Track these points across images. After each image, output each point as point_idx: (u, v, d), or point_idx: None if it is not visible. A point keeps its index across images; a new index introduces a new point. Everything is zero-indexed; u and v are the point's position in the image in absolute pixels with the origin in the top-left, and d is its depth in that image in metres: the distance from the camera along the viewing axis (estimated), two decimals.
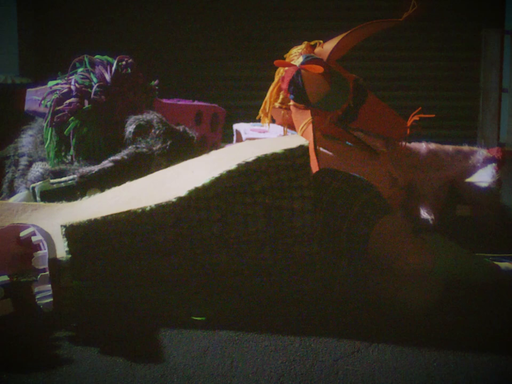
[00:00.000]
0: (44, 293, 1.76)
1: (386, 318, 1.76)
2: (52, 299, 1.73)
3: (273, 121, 2.71)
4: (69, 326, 1.73)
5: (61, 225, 1.89)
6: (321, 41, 2.71)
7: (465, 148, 2.93)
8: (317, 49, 2.69)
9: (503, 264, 2.05)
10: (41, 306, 1.73)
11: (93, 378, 1.47)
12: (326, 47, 2.66)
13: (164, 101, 3.17)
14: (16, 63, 5.99)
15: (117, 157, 2.33)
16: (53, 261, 1.74)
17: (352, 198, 1.99)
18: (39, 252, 1.82)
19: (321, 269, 1.89)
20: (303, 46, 2.71)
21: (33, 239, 1.89)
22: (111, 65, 2.70)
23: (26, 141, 3.12)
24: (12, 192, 3.02)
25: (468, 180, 2.82)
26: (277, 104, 2.63)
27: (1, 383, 1.47)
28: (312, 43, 2.72)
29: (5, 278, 1.74)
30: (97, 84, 2.60)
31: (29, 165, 3.04)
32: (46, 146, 2.73)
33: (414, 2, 2.57)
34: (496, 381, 1.48)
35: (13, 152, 3.21)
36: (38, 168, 2.87)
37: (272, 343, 1.64)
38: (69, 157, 2.69)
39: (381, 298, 1.83)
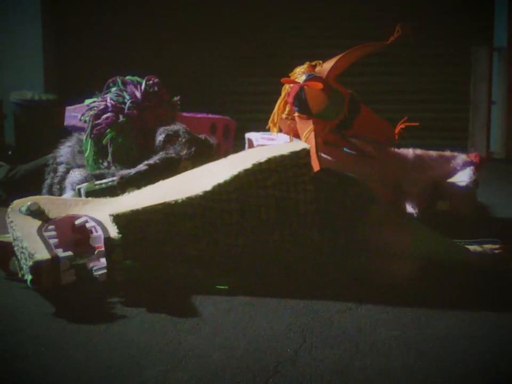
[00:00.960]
0: (99, 266, 2.20)
1: (372, 286, 2.18)
2: (105, 270, 2.16)
3: (280, 130, 3.17)
4: (119, 292, 2.16)
5: (109, 215, 2.33)
6: (321, 62, 3.15)
7: (447, 153, 3.36)
8: (317, 68, 3.13)
9: (472, 247, 2.47)
10: (97, 277, 2.16)
11: (142, 330, 1.89)
12: (325, 67, 3.10)
13: (184, 114, 3.62)
14: (42, 81, 6.42)
15: (150, 161, 2.77)
16: (108, 239, 2.17)
17: (345, 191, 2.42)
18: (94, 233, 2.26)
19: (321, 249, 2.33)
20: (305, 66, 3.15)
21: (87, 225, 2.33)
22: (141, 84, 3.16)
23: (64, 151, 3.54)
24: (51, 195, 3.45)
25: (449, 180, 3.25)
26: (283, 116, 3.07)
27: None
28: (313, 63, 3.16)
29: (69, 253, 2.17)
30: (129, 101, 3.06)
31: (67, 172, 3.46)
32: (86, 155, 3.17)
33: (398, 28, 3.01)
34: (458, 328, 1.89)
35: (52, 161, 3.64)
36: (75, 174, 3.30)
37: (281, 304, 2.06)
38: (105, 163, 3.13)
39: (368, 272, 2.26)
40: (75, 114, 3.43)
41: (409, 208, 3.01)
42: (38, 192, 3.52)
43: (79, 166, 3.37)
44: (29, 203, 2.46)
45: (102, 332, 1.87)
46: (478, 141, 5.84)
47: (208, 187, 2.36)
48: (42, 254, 2.11)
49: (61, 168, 3.48)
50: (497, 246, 2.46)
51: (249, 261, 2.31)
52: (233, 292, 2.17)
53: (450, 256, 2.40)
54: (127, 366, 1.63)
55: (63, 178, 3.45)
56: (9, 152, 5.77)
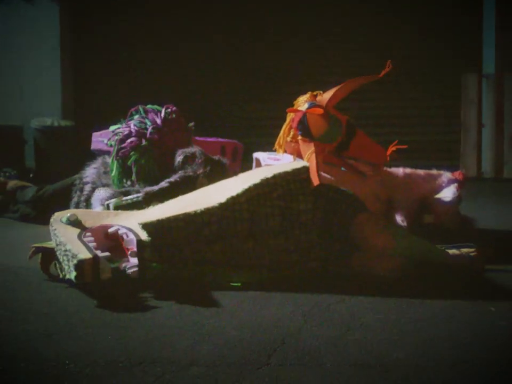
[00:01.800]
0: (131, 265, 2.58)
1: (362, 282, 2.55)
2: (137, 269, 2.55)
3: (285, 151, 3.56)
4: (149, 287, 2.54)
5: (139, 223, 2.72)
6: (321, 92, 3.56)
7: (434, 171, 3.75)
8: (318, 98, 3.54)
9: (451, 251, 2.85)
10: (130, 274, 2.54)
11: (171, 316, 2.26)
12: (325, 96, 3.50)
13: (197, 138, 4.03)
14: (60, 109, 6.87)
15: (171, 179, 3.18)
16: (140, 241, 2.56)
17: (340, 202, 2.81)
18: (126, 238, 2.64)
19: (320, 251, 2.71)
20: (308, 95, 3.56)
21: (119, 232, 2.72)
22: (160, 112, 3.58)
23: (90, 172, 3.94)
24: None
25: (435, 196, 3.63)
26: (288, 139, 3.47)
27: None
28: (315, 93, 3.56)
29: (107, 254, 2.56)
30: (151, 126, 3.47)
31: (92, 190, 3.86)
32: (112, 175, 3.58)
33: (389, 63, 3.42)
34: (433, 313, 2.26)
35: (78, 181, 4.04)
36: (101, 192, 3.70)
37: (285, 297, 2.43)
38: (129, 182, 3.54)
39: (359, 269, 2.64)
40: (101, 139, 3.85)
41: (399, 220, 3.39)
42: (65, 209, 3.93)
43: (104, 185, 3.78)
44: (68, 214, 2.86)
45: (138, 318, 2.24)
46: (469, 162, 6.23)
47: (222, 199, 2.75)
48: (85, 254, 2.49)
49: (87, 187, 3.89)
50: (472, 250, 2.84)
51: (259, 262, 2.69)
52: (245, 287, 2.54)
53: (431, 257, 2.78)
54: (162, 341, 2.00)
55: (89, 197, 3.85)
56: (31, 175, 6.18)
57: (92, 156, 4.33)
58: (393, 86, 6.56)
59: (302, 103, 3.48)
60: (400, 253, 2.70)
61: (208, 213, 2.73)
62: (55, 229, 2.77)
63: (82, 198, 3.85)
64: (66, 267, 2.61)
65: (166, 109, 3.57)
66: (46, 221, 4.01)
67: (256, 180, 2.76)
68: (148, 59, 6.90)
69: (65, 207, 3.96)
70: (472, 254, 2.83)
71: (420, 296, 2.43)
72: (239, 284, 2.58)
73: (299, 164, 2.91)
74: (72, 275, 2.50)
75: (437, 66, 6.72)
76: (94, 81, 7.05)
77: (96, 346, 1.96)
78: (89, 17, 7.04)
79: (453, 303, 2.36)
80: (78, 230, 2.77)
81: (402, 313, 2.25)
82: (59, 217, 2.88)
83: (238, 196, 2.74)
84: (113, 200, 3.25)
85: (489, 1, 6.53)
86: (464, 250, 2.86)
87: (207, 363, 1.82)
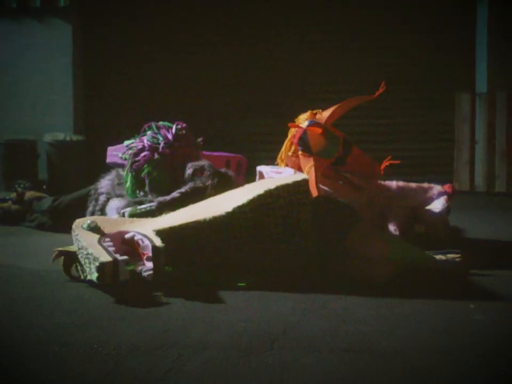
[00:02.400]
0: (146, 268, 2.85)
1: (357, 283, 2.82)
2: (152, 272, 2.81)
3: (287, 165, 3.84)
4: (163, 288, 2.80)
5: (153, 230, 2.99)
6: (320, 110, 3.85)
7: (425, 184, 4.02)
8: (318, 116, 3.82)
9: (438, 256, 3.12)
10: (146, 276, 2.81)
11: (184, 311, 2.53)
12: (324, 115, 3.79)
13: (204, 152, 4.32)
14: (71, 124, 7.15)
15: (182, 190, 3.46)
16: (155, 247, 2.83)
17: (337, 212, 3.09)
18: (142, 244, 2.91)
19: (318, 256, 2.98)
20: (308, 113, 3.84)
21: (135, 238, 2.99)
22: (171, 128, 3.87)
23: (105, 183, 4.22)
24: None
25: (426, 207, 3.91)
26: (290, 153, 3.75)
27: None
28: (314, 111, 3.84)
29: (125, 257, 2.83)
30: (163, 142, 3.76)
31: (107, 200, 4.13)
32: (126, 186, 3.85)
33: (382, 84, 3.72)
34: (421, 309, 2.52)
35: (93, 191, 4.31)
36: (115, 202, 3.97)
37: (286, 295, 2.69)
38: (142, 193, 3.82)
39: (354, 273, 2.91)
40: (116, 153, 4.13)
41: (392, 229, 3.66)
42: (79, 218, 4.20)
43: (118, 196, 4.05)
44: (89, 221, 3.13)
45: (153, 312, 2.51)
46: (463, 176, 6.50)
47: (229, 208, 3.02)
48: (105, 257, 2.76)
49: (102, 198, 4.16)
50: (457, 256, 3.11)
51: (262, 265, 2.96)
52: (250, 288, 2.80)
53: (420, 262, 3.05)
54: (177, 330, 2.27)
55: (103, 206, 4.12)
56: (44, 187, 6.45)
57: (102, 168, 4.61)
58: (390, 104, 6.86)
59: (303, 120, 3.76)
60: (392, 259, 2.97)
61: (216, 221, 3.00)
62: (77, 234, 3.05)
63: (97, 208, 4.12)
64: (87, 269, 2.88)
65: (176, 126, 3.86)
66: (61, 230, 4.34)
67: (260, 191, 3.04)
68: (156, 77, 7.20)
69: (80, 216, 4.20)
70: (457, 259, 3.10)
71: (408, 295, 2.69)
72: (244, 284, 2.84)
73: (299, 176, 3.20)
74: (93, 276, 2.77)
75: (432, 85, 7.02)
76: (104, 98, 7.35)
77: (119, 334, 2.23)
78: (100, 36, 7.36)
79: (437, 302, 2.63)
80: (97, 236, 3.04)
81: (392, 309, 2.51)
82: (80, 224, 3.15)
83: (243, 205, 3.01)
84: (128, 208, 3.52)
85: (481, 26, 6.85)
86: (450, 256, 3.13)
87: (218, 348, 2.08)
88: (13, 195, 5.02)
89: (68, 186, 6.19)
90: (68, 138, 6.75)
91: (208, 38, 7.18)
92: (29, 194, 5.02)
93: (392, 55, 7.04)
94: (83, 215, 4.21)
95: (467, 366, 1.98)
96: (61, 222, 4.50)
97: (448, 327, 2.32)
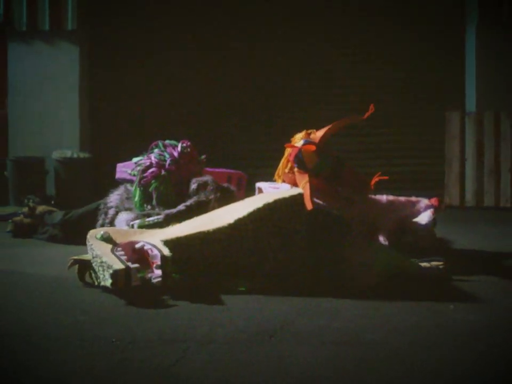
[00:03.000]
0: (156, 275, 3.12)
1: (346, 288, 3.09)
2: (160, 279, 3.08)
3: (283, 181, 4.13)
4: (170, 292, 3.07)
5: (161, 240, 3.27)
6: (315, 130, 4.14)
7: (413, 198, 4.31)
8: (312, 135, 4.12)
9: (423, 263, 3.40)
10: (155, 283, 3.08)
11: (189, 311, 2.79)
12: (317, 134, 4.09)
13: (207, 169, 4.60)
14: (78, 142, 7.43)
15: (187, 203, 3.74)
16: (163, 256, 3.10)
17: (330, 224, 3.37)
18: (151, 253, 3.19)
19: (312, 264, 3.26)
20: (303, 133, 4.13)
21: (145, 247, 3.27)
22: (177, 146, 4.16)
23: (114, 198, 4.50)
24: None
25: (414, 219, 4.19)
26: (286, 170, 4.04)
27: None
28: (309, 131, 4.14)
29: (137, 265, 3.10)
30: (169, 159, 4.05)
31: (116, 214, 4.40)
32: (134, 200, 4.14)
33: (371, 106, 4.01)
34: (404, 310, 2.79)
35: (103, 205, 4.59)
36: (124, 215, 4.25)
37: (282, 298, 2.96)
38: (149, 206, 4.10)
39: (344, 279, 3.18)
40: (125, 169, 4.42)
41: (382, 239, 3.94)
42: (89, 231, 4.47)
43: (126, 209, 4.32)
44: (102, 232, 3.41)
45: (163, 312, 2.78)
46: (453, 191, 6.78)
47: (231, 220, 3.30)
48: (118, 265, 3.03)
49: (111, 211, 4.43)
50: (440, 263, 3.39)
51: (261, 272, 3.24)
52: (250, 292, 3.08)
53: (405, 268, 3.33)
54: (185, 327, 2.54)
55: (112, 219, 4.39)
56: (52, 202, 6.72)
57: (107, 183, 4.91)
58: (383, 122, 7.17)
59: (298, 139, 4.06)
60: (379, 266, 3.25)
61: (219, 232, 3.28)
62: (91, 244, 3.32)
63: (107, 221, 4.39)
64: (101, 276, 3.15)
65: (182, 144, 4.15)
66: (72, 241, 4.62)
67: (259, 204, 3.33)
68: (161, 97, 7.51)
69: (90, 228, 4.50)
70: (440, 266, 3.38)
71: (393, 298, 2.97)
72: (245, 289, 3.12)
73: (295, 191, 3.49)
74: (107, 282, 3.04)
75: (424, 104, 7.34)
76: (109, 118, 7.65)
77: (133, 331, 2.50)
78: (106, 57, 7.67)
79: (420, 303, 2.90)
80: (110, 245, 3.31)
81: (378, 310, 2.79)
82: (94, 234, 3.43)
83: (244, 217, 3.29)
84: (137, 221, 3.80)
85: (470, 49, 7.18)
86: (434, 263, 3.40)
87: (222, 342, 2.36)
88: (25, 209, 5.28)
89: (75, 201, 6.47)
90: (75, 156, 7.04)
91: (210, 61, 7.50)
92: (40, 208, 5.28)
93: (386, 76, 7.36)
94: (93, 228, 4.48)
95: (445, 355, 2.25)
96: (71, 234, 4.78)
97: (429, 324, 2.60)
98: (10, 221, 5.24)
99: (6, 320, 2.69)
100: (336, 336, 2.43)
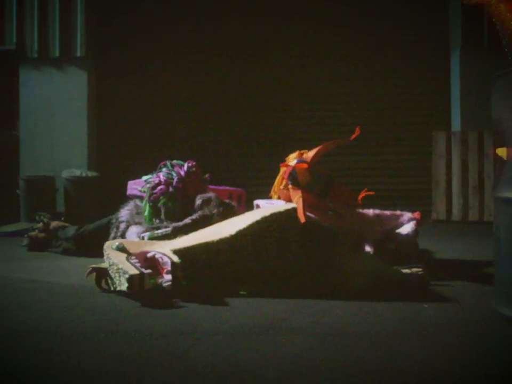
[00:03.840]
0: (166, 280, 3.52)
1: (336, 291, 3.49)
2: (171, 283, 3.48)
3: (279, 197, 4.55)
4: (179, 295, 3.47)
5: (170, 249, 3.67)
6: (307, 151, 4.57)
7: (398, 212, 4.73)
8: (304, 155, 4.54)
9: (404, 270, 3.80)
10: (166, 287, 3.48)
11: (198, 311, 3.19)
12: (309, 154, 4.51)
13: (211, 186, 5.03)
14: (86, 162, 7.88)
15: (193, 217, 4.15)
16: (173, 263, 3.50)
17: (321, 235, 3.78)
18: (161, 260, 3.59)
19: (306, 270, 3.66)
20: (296, 153, 4.56)
21: (156, 256, 3.67)
22: (183, 166, 4.58)
23: (124, 213, 4.92)
24: None
25: (398, 230, 4.60)
26: (281, 187, 4.46)
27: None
28: (302, 152, 4.57)
29: (149, 271, 3.49)
30: (176, 177, 4.46)
31: (127, 228, 4.82)
32: (144, 214, 4.55)
33: (357, 129, 4.44)
34: (387, 310, 3.19)
35: (114, 220, 5.00)
36: (134, 229, 4.66)
37: (279, 301, 3.35)
38: (158, 220, 4.51)
39: (333, 283, 3.58)
40: (135, 186, 4.83)
41: (368, 248, 4.35)
42: (101, 244, 4.87)
43: (136, 223, 4.74)
44: (117, 243, 3.81)
45: (174, 312, 3.17)
46: (440, 207, 7.21)
47: (232, 232, 3.71)
48: (133, 271, 3.44)
49: (122, 225, 4.85)
50: (420, 269, 3.80)
51: (260, 277, 3.64)
52: (250, 295, 3.48)
53: (389, 274, 3.73)
54: (193, 323, 2.93)
55: (124, 232, 4.80)
56: (62, 218, 7.13)
57: (114, 200, 5.33)
58: (374, 142, 7.62)
59: (292, 159, 4.48)
60: (365, 272, 3.66)
61: (221, 242, 3.68)
62: (108, 253, 3.73)
63: (118, 234, 4.80)
64: (117, 281, 3.55)
65: (188, 164, 4.57)
66: (84, 254, 5.02)
67: (258, 217, 3.74)
68: (164, 120, 7.96)
69: (101, 242, 4.91)
70: (419, 272, 3.79)
71: (377, 299, 3.37)
72: (246, 292, 3.52)
73: (289, 206, 3.90)
74: (124, 286, 3.44)
75: (412, 125, 7.80)
76: (115, 139, 8.09)
77: (149, 326, 2.89)
78: (113, 82, 8.13)
79: (399, 303, 3.30)
80: (125, 254, 3.72)
81: (362, 308, 3.19)
82: (110, 245, 3.83)
83: (244, 229, 3.70)
84: (147, 233, 4.21)
85: (455, 72, 7.64)
86: (414, 269, 3.81)
87: (226, 334, 2.75)
88: (40, 225, 5.68)
89: (83, 217, 6.90)
90: (83, 174, 7.46)
91: (213, 88, 7.97)
92: (54, 224, 5.69)
93: (378, 100, 7.82)
94: (104, 241, 4.89)
95: (416, 344, 2.64)
96: (83, 247, 5.19)
97: (405, 320, 3.00)
98: (26, 235, 5.64)
99: (35, 318, 3.08)
100: (325, 329, 2.83)
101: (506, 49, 2.10)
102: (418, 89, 7.79)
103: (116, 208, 5.25)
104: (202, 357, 2.47)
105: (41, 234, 5.60)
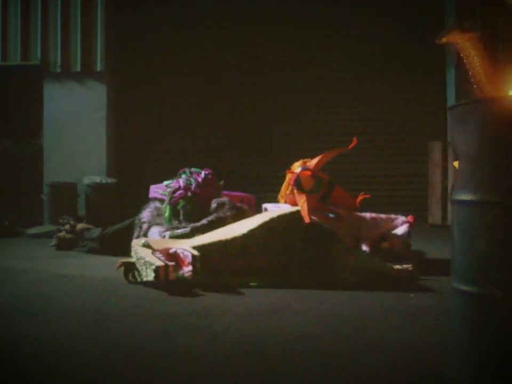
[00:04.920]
0: (187, 270, 4.04)
1: (332, 283, 4.01)
2: (191, 273, 4.00)
3: (285, 201, 5.07)
4: (198, 286, 3.99)
5: (190, 246, 4.20)
6: (310, 159, 5.10)
7: (392, 215, 5.25)
8: (307, 163, 5.07)
9: (396, 266, 4.31)
10: (186, 276, 4.00)
11: (215, 298, 3.70)
12: (312, 162, 5.04)
13: (225, 192, 5.56)
14: (105, 168, 8.43)
15: (209, 218, 4.68)
16: (193, 255, 4.02)
17: (322, 234, 4.30)
18: (182, 255, 4.11)
19: (308, 265, 4.18)
20: (300, 161, 5.10)
21: (178, 251, 4.20)
22: (201, 173, 5.11)
23: (146, 214, 5.45)
24: None
25: (392, 232, 5.11)
26: (287, 192, 4.99)
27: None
28: (305, 160, 5.10)
29: (173, 263, 4.02)
30: (194, 183, 5.00)
31: (148, 228, 5.35)
32: (165, 216, 5.08)
33: (354, 139, 4.97)
34: (377, 300, 3.70)
35: (137, 221, 5.53)
36: (156, 229, 5.19)
37: (285, 290, 3.87)
38: (177, 221, 5.04)
39: (331, 276, 4.09)
40: (157, 190, 5.37)
41: (364, 247, 4.86)
42: (124, 244, 5.40)
43: (157, 224, 5.27)
44: (143, 240, 4.35)
45: (194, 299, 3.70)
46: (435, 212, 7.69)
47: (244, 231, 4.23)
48: (159, 263, 3.96)
49: (144, 226, 5.38)
50: (410, 266, 4.30)
51: (268, 271, 4.16)
52: (259, 286, 4.00)
53: (382, 270, 4.24)
54: (210, 307, 3.45)
55: (146, 232, 5.33)
56: (83, 221, 7.67)
57: (130, 204, 5.88)
58: (374, 151, 8.14)
59: (297, 167, 5.01)
60: (360, 268, 4.17)
61: (234, 240, 4.21)
62: (136, 249, 4.26)
63: (141, 233, 5.33)
64: (144, 273, 4.08)
65: (205, 172, 5.11)
66: (108, 253, 5.55)
67: (266, 218, 4.27)
68: (178, 130, 8.51)
69: (123, 242, 5.44)
70: (410, 268, 4.30)
71: (369, 290, 3.88)
72: (255, 284, 4.04)
73: (295, 208, 4.42)
74: (151, 277, 3.96)
75: (409, 135, 8.31)
76: (132, 147, 8.65)
77: (175, 309, 3.42)
78: (129, 95, 8.69)
79: (388, 293, 3.81)
80: (150, 250, 4.25)
81: (356, 297, 3.70)
82: (138, 242, 4.37)
83: (254, 229, 4.22)
84: (168, 232, 4.74)
85: (450, 85, 8.15)
86: (405, 266, 4.32)
87: (239, 315, 3.27)
88: (67, 227, 6.23)
89: (103, 220, 7.45)
90: (103, 181, 8.01)
91: (227, 102, 8.52)
92: (80, 226, 6.24)
93: (378, 112, 8.34)
94: (126, 241, 5.43)
95: (400, 325, 3.14)
96: (107, 247, 5.72)
97: (392, 306, 3.50)
98: (54, 236, 6.19)
99: (77, 303, 3.60)
100: (323, 313, 3.34)
101: (475, 86, 2.57)
102: (416, 101, 8.30)
103: (133, 211, 5.80)
104: (220, 331, 2.99)
105: (68, 235, 6.14)
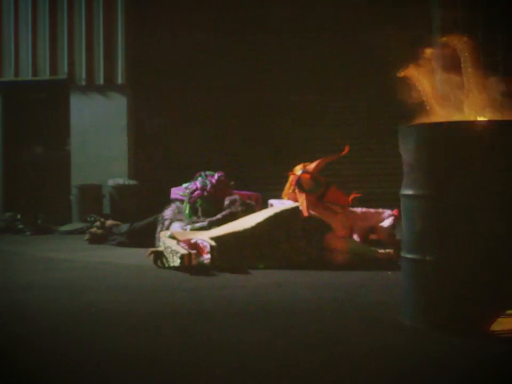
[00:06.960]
0: (206, 258, 4.90)
1: (327, 264, 4.86)
2: (210, 259, 4.86)
3: (288, 199, 5.93)
4: (215, 270, 4.85)
5: (208, 237, 5.07)
6: (309, 163, 5.95)
7: (380, 210, 6.09)
8: (307, 166, 5.92)
9: (380, 250, 5.16)
10: (206, 263, 4.86)
11: (228, 278, 4.56)
12: (311, 166, 5.88)
13: (235, 191, 6.42)
14: (126, 172, 9.30)
15: (223, 213, 5.54)
16: (211, 246, 4.88)
17: (319, 225, 5.16)
18: (201, 245, 4.98)
19: (306, 251, 5.03)
20: (301, 165, 5.94)
21: (198, 242, 5.06)
22: (214, 176, 5.98)
23: (168, 212, 6.31)
24: None
25: (380, 224, 5.95)
26: (290, 191, 5.84)
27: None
28: (305, 164, 5.95)
29: (195, 251, 4.87)
30: (209, 185, 5.87)
31: (170, 223, 6.22)
32: (185, 213, 5.95)
33: (347, 147, 5.81)
34: (363, 279, 4.55)
35: (160, 217, 6.41)
36: (177, 224, 6.06)
37: (287, 271, 4.73)
38: (195, 217, 5.91)
39: (326, 259, 4.95)
40: (177, 192, 6.25)
41: (355, 237, 5.71)
42: (149, 238, 6.26)
43: (178, 220, 6.14)
44: (169, 233, 5.22)
45: (212, 278, 4.56)
46: None
47: (253, 224, 5.09)
48: (184, 251, 4.82)
49: (167, 222, 6.24)
50: (391, 250, 5.15)
51: (273, 256, 5.02)
52: (266, 268, 4.86)
53: (367, 254, 5.09)
54: (228, 281, 4.32)
55: (168, 227, 6.20)
56: (110, 219, 8.55)
57: (150, 203, 6.75)
58: (371, 152, 8.98)
59: (298, 169, 5.85)
60: (350, 252, 5.02)
61: (245, 232, 5.07)
62: (163, 240, 5.13)
63: (164, 228, 6.20)
64: (171, 260, 4.94)
65: (218, 174, 6.00)
66: (135, 245, 6.42)
67: (271, 213, 5.13)
68: (193, 137, 9.38)
69: (149, 236, 6.31)
70: (391, 252, 5.15)
71: (356, 269, 4.74)
72: (263, 266, 4.90)
73: (295, 204, 5.29)
74: (177, 263, 4.82)
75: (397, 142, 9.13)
76: (151, 152, 9.52)
77: (199, 285, 4.28)
78: (148, 105, 9.57)
79: (372, 272, 4.65)
80: (175, 240, 5.12)
81: (344, 275, 4.56)
82: (164, 234, 5.24)
83: (262, 222, 5.08)
84: (189, 226, 5.61)
85: None
86: (387, 250, 5.17)
87: (252, 287, 4.13)
88: (97, 223, 7.11)
89: (125, 218, 8.31)
90: (126, 183, 8.89)
91: (237, 106, 9.38)
92: (109, 222, 7.11)
93: (374, 117, 9.19)
94: (151, 235, 6.30)
95: (378, 291, 3.99)
96: (135, 240, 6.59)
97: (372, 278, 4.37)
98: (87, 232, 7.07)
99: (120, 282, 4.47)
100: (318, 284, 4.21)
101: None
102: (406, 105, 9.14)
103: (153, 209, 6.69)
104: (236, 299, 3.86)
105: (99, 231, 7.01)
